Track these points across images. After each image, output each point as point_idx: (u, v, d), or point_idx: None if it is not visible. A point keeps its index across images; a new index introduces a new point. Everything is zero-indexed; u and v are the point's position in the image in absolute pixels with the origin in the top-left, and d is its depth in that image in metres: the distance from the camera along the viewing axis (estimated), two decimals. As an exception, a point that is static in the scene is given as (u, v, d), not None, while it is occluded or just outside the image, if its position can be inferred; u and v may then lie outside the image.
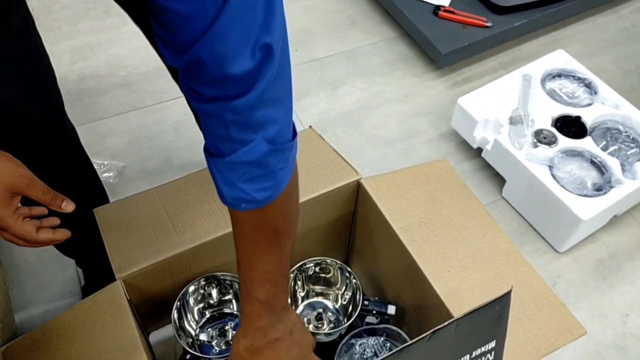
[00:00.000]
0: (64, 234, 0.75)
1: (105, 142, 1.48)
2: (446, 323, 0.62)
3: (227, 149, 0.59)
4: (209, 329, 0.95)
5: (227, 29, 0.50)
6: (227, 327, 0.95)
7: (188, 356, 0.86)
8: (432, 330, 0.61)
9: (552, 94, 1.45)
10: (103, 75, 1.60)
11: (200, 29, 0.49)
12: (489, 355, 0.69)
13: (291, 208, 0.68)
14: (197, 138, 1.46)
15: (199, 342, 0.94)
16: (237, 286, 0.95)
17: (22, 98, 0.80)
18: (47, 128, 0.88)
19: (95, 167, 1.34)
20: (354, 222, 1.06)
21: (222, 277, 0.93)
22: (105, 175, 1.38)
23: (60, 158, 0.92)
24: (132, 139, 1.49)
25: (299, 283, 1.00)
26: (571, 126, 1.38)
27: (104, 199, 1.09)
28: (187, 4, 0.48)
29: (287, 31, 0.58)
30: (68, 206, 0.74)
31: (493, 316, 0.66)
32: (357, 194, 0.99)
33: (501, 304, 0.66)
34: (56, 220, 0.75)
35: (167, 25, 0.51)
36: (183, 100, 1.58)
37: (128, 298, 0.83)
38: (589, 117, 1.39)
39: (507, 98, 1.42)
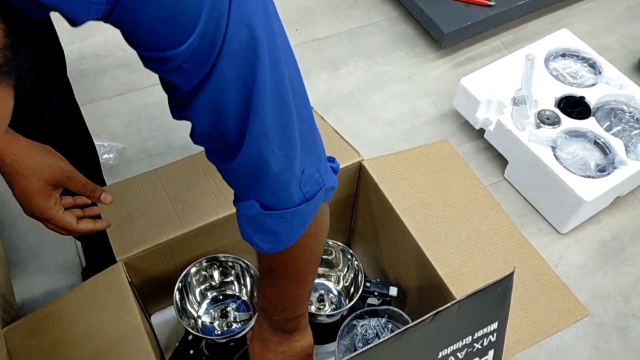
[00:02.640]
0: (104, 224, 0.79)
1: (104, 123, 1.46)
2: (448, 305, 0.61)
3: (235, 195, 0.61)
4: (211, 310, 0.95)
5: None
6: (229, 309, 0.95)
7: (190, 337, 0.86)
8: (434, 312, 0.61)
9: (555, 74, 1.43)
10: (102, 56, 1.59)
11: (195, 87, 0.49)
12: (491, 336, 0.69)
13: (304, 259, 0.68)
14: (197, 119, 1.45)
15: (201, 323, 0.94)
16: (239, 268, 0.94)
17: (39, 84, 0.81)
18: (60, 116, 0.89)
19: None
20: (355, 203, 1.05)
21: (224, 258, 0.93)
22: (105, 157, 1.37)
23: (67, 138, 0.93)
24: (131, 120, 1.48)
25: (301, 265, 1.00)
26: (575, 107, 1.37)
27: (101, 182, 1.09)
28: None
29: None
30: (107, 198, 0.79)
31: (495, 298, 0.66)
32: (359, 175, 0.98)
33: (503, 285, 0.65)
34: (97, 210, 0.80)
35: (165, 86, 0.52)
36: (183, 81, 1.57)
37: (129, 280, 0.83)
38: (592, 98, 1.38)
39: (510, 78, 1.40)
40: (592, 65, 1.46)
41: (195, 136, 0.55)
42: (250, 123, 0.51)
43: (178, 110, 0.52)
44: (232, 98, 0.50)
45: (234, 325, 0.93)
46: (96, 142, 1.38)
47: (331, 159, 0.67)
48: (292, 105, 0.53)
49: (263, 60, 0.49)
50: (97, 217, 0.82)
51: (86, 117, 1.03)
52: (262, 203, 0.58)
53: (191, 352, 0.85)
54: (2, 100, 0.34)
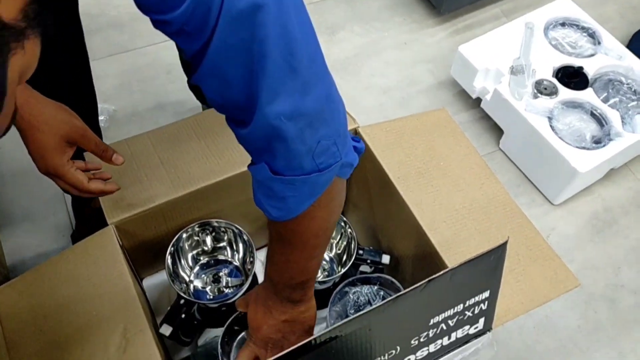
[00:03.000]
0: (113, 186, 0.80)
1: (95, 84, 1.44)
2: (441, 272, 0.61)
3: (252, 158, 0.62)
4: (203, 275, 0.95)
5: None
6: (221, 274, 0.95)
7: (182, 301, 0.86)
8: (427, 280, 0.61)
9: (554, 44, 1.42)
10: (93, 15, 1.55)
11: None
12: (482, 304, 0.69)
13: (312, 230, 0.67)
14: (190, 82, 1.43)
15: (192, 288, 0.94)
16: (231, 233, 0.94)
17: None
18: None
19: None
20: (349, 170, 1.04)
21: (216, 223, 0.92)
22: (96, 119, 1.36)
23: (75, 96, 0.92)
24: (123, 82, 1.45)
25: (294, 231, 1.00)
26: (573, 77, 1.36)
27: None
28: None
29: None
30: (118, 158, 0.79)
31: (488, 267, 0.66)
32: (353, 142, 0.97)
33: (497, 254, 0.65)
34: (107, 175, 0.80)
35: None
36: (176, 43, 1.54)
37: (120, 243, 0.82)
38: (591, 68, 1.37)
39: (509, 47, 1.38)
40: (592, 35, 1.44)
41: (209, 102, 0.57)
42: (257, 91, 0.52)
43: (190, 75, 0.55)
44: (236, 64, 0.51)
45: (226, 291, 0.93)
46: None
47: (356, 139, 0.67)
48: (305, 74, 0.53)
49: (268, 26, 0.49)
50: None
51: (76, 77, 1.02)
52: (272, 168, 0.58)
53: (183, 316, 0.85)
54: (32, 49, 0.37)
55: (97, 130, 1.08)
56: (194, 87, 1.26)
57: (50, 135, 0.72)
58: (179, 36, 0.51)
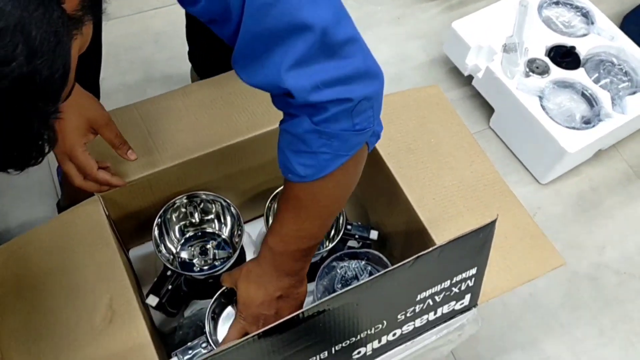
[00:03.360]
0: (120, 181, 0.81)
1: (82, 52, 1.41)
2: (430, 249, 0.61)
3: (285, 115, 0.64)
4: (190, 247, 0.95)
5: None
6: (208, 246, 0.95)
7: (169, 272, 0.86)
8: (415, 256, 0.61)
9: (548, 22, 1.41)
10: (80, -19, 1.51)
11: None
12: (469, 281, 0.70)
13: (332, 195, 0.69)
14: (178, 52, 1.40)
15: (179, 260, 0.93)
16: (219, 206, 0.93)
17: None
18: None
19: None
20: (339, 145, 1.04)
21: (204, 196, 0.92)
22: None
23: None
24: (110, 51, 1.42)
25: (282, 205, 0.99)
26: (565, 57, 1.35)
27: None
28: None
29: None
30: (132, 155, 0.82)
31: (477, 244, 0.66)
32: (344, 116, 0.96)
33: (485, 232, 0.65)
34: (112, 170, 0.82)
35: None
36: (165, 10, 1.51)
37: (107, 214, 0.81)
38: (583, 48, 1.36)
39: (503, 24, 1.37)
40: (585, 15, 1.43)
41: (249, 84, 0.61)
42: (289, 68, 0.56)
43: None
44: (267, 46, 0.55)
45: (213, 263, 0.93)
46: (73, 72, 1.34)
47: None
48: (344, 39, 0.57)
49: (294, 11, 0.53)
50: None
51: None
52: (313, 120, 0.60)
53: (169, 287, 0.85)
54: (87, 31, 0.46)
55: (97, 91, 1.07)
56: (194, 59, 1.24)
57: (75, 116, 0.74)
58: (211, 24, 0.57)
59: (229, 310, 0.87)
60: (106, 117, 0.78)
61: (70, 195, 0.99)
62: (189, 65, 1.31)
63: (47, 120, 0.41)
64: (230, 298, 0.87)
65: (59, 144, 0.75)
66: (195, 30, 1.12)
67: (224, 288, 0.84)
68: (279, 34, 0.54)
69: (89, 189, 0.80)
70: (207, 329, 0.81)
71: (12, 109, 0.38)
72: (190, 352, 0.81)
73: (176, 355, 0.80)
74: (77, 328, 0.72)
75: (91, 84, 0.96)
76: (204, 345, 0.81)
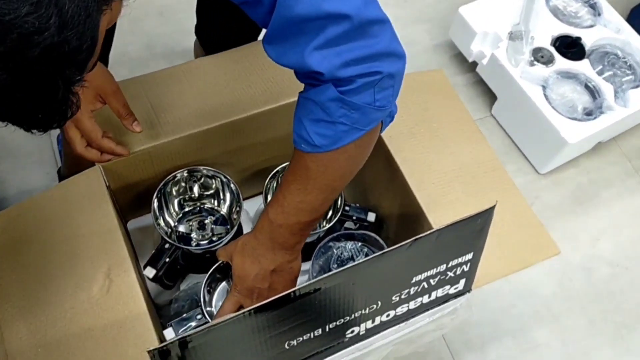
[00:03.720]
0: (123, 150, 0.82)
1: (86, 22, 1.40)
2: (428, 232, 0.62)
3: (307, 84, 0.65)
4: (188, 222, 0.95)
5: None
6: (206, 221, 0.95)
7: (167, 245, 0.86)
8: (413, 238, 0.61)
9: (555, 12, 1.40)
10: (85, -51, 1.49)
11: None
12: (464, 266, 0.70)
13: (342, 169, 0.70)
14: (182, 25, 1.40)
15: (177, 233, 0.94)
16: (219, 182, 0.93)
17: None
18: None
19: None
20: (341, 126, 1.03)
21: (205, 171, 0.92)
22: (85, 57, 1.32)
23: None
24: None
25: (281, 183, 0.99)
26: (570, 47, 1.35)
27: None
28: None
29: None
30: (137, 127, 0.82)
31: (474, 229, 0.66)
32: (347, 97, 0.96)
33: (484, 218, 0.66)
34: (116, 140, 0.82)
35: None
36: (171, -18, 1.50)
37: (107, 184, 0.81)
38: (589, 39, 1.36)
39: (509, 11, 1.37)
40: (593, 6, 1.43)
41: (279, 63, 0.62)
42: (316, 53, 0.58)
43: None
44: (298, 32, 0.57)
45: (211, 238, 0.94)
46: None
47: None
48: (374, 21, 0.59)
49: None
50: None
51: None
52: (340, 89, 0.61)
53: (167, 259, 0.85)
54: (117, 7, 0.50)
55: (106, 62, 1.07)
56: (201, 33, 1.24)
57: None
58: (243, 5, 0.59)
59: (224, 284, 0.88)
60: (115, 86, 0.79)
61: (70, 165, 0.99)
62: (193, 39, 1.30)
63: (72, 87, 0.44)
64: (225, 273, 0.87)
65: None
66: (207, 4, 1.11)
67: (219, 262, 0.85)
68: (310, 20, 0.56)
69: (90, 157, 0.80)
70: (202, 302, 0.82)
71: (41, 74, 0.41)
72: (185, 323, 0.82)
73: (171, 325, 0.81)
74: (75, 296, 0.72)
75: (103, 54, 0.95)
76: (199, 317, 0.82)
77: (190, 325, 0.81)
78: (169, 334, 0.80)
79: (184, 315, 0.83)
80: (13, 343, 0.70)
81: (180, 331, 0.80)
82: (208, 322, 0.81)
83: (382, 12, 0.60)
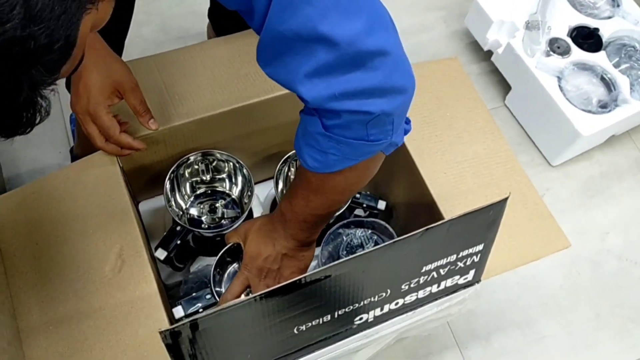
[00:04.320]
0: (140, 144, 0.81)
1: (100, 1, 1.40)
2: (439, 222, 0.62)
3: (305, 107, 0.62)
4: (200, 205, 0.95)
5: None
6: (217, 205, 0.95)
7: (178, 227, 0.87)
8: (424, 228, 0.61)
9: (572, 2, 1.38)
10: None
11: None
12: (474, 257, 0.70)
13: (339, 187, 0.69)
14: (197, 7, 1.39)
15: (188, 216, 0.94)
16: (232, 166, 0.94)
17: None
18: None
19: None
20: (354, 113, 1.03)
21: (218, 154, 0.92)
22: (99, 37, 1.32)
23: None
24: (128, 1, 1.41)
25: (293, 169, 0.99)
26: (587, 38, 1.33)
27: None
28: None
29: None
30: (154, 124, 0.81)
31: (486, 221, 0.66)
32: (361, 84, 0.96)
33: (496, 209, 0.66)
34: (131, 127, 0.82)
35: None
36: (186, -37, 1.49)
37: (120, 165, 0.82)
38: (606, 31, 1.34)
39: (527, 0, 1.35)
40: (612, -3, 1.40)
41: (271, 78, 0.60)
42: (309, 74, 0.54)
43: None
44: (289, 47, 0.54)
45: (222, 221, 0.94)
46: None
47: (407, 120, 0.68)
48: (374, 53, 0.54)
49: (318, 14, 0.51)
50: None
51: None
52: (324, 124, 0.60)
53: (178, 242, 0.86)
54: (105, 8, 0.44)
55: (121, 51, 1.07)
56: (214, 17, 1.23)
57: (102, 77, 0.74)
58: (240, 13, 0.57)
59: (234, 267, 0.89)
60: (133, 82, 0.78)
61: (84, 145, 0.99)
62: (206, 22, 1.29)
63: (39, 90, 0.40)
64: (235, 256, 0.88)
65: (82, 104, 0.75)
66: None
67: (229, 245, 0.85)
68: (302, 39, 0.52)
69: (110, 152, 0.80)
70: (211, 283, 0.83)
71: (1, 70, 0.37)
72: (194, 302, 0.83)
73: (180, 304, 0.82)
74: (87, 275, 0.73)
75: (117, 43, 0.95)
76: (207, 297, 0.83)
77: (199, 305, 0.82)
78: (178, 312, 0.81)
79: (194, 294, 0.84)
80: (25, 320, 0.71)
81: (189, 310, 0.81)
82: (216, 301, 0.82)
83: (390, 40, 0.56)
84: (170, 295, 0.94)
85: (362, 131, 0.59)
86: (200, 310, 0.82)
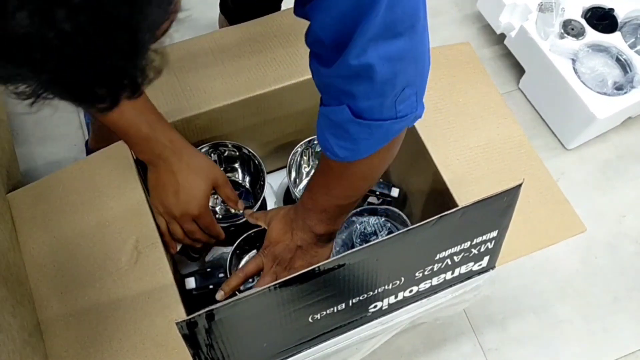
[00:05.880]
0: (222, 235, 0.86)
1: (110, -7, 1.40)
2: (453, 210, 0.62)
3: (325, 99, 0.62)
4: (213, 195, 0.96)
5: None
6: (231, 194, 0.96)
7: (192, 219, 0.87)
8: (438, 216, 0.61)
9: (587, -18, 1.36)
10: None
11: None
12: (489, 243, 0.70)
13: (364, 174, 0.70)
14: (207, -4, 1.39)
15: (202, 206, 0.95)
16: (244, 156, 0.94)
17: None
18: None
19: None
20: (366, 100, 1.03)
21: (229, 145, 0.92)
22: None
23: None
24: (139, -8, 1.41)
25: (305, 158, 1.00)
26: (602, 19, 1.31)
27: None
28: None
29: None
30: (241, 206, 0.87)
31: (500, 207, 0.66)
32: (372, 71, 0.95)
33: (510, 196, 0.65)
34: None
35: None
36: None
37: (134, 158, 0.82)
38: (622, 11, 1.32)
39: (540, -18, 1.33)
40: (627, -24, 1.38)
41: (308, 36, 0.57)
42: (361, 27, 0.51)
43: (301, 4, 0.54)
44: (347, 1, 0.51)
45: (235, 212, 0.95)
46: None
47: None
48: (407, 20, 0.54)
49: None
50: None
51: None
52: (353, 110, 0.59)
53: (192, 232, 0.87)
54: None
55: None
56: (224, 6, 1.23)
57: (203, 179, 0.79)
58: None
59: (251, 254, 0.89)
60: (224, 176, 0.83)
61: (98, 138, 1.00)
62: (217, 12, 1.29)
63: (148, 47, 0.35)
64: (252, 244, 0.89)
65: (182, 210, 0.78)
66: None
67: (244, 235, 0.86)
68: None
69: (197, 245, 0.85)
70: (227, 266, 0.84)
71: (117, 22, 0.31)
72: (207, 277, 0.84)
73: (194, 276, 0.83)
74: (104, 267, 0.74)
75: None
76: (220, 275, 0.84)
77: (211, 282, 0.84)
78: (190, 283, 0.84)
79: (208, 269, 0.85)
80: (45, 312, 0.72)
81: (200, 285, 0.84)
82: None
83: (419, 5, 0.55)
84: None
85: (391, 109, 0.59)
86: (211, 286, 0.84)
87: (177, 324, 0.53)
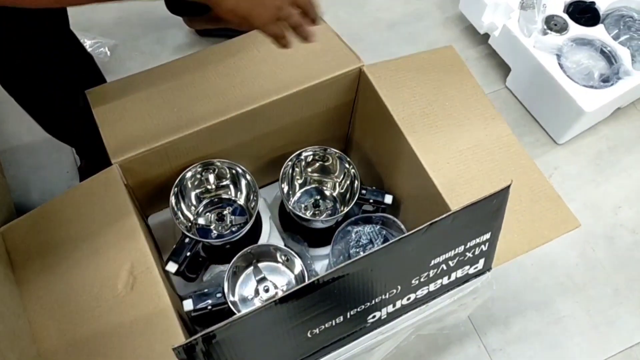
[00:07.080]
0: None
1: (94, 18, 1.41)
2: (443, 216, 0.62)
3: None
4: (207, 214, 0.96)
5: None
6: (225, 212, 0.96)
7: (187, 239, 0.87)
8: (428, 223, 0.61)
9: (567, -23, 1.37)
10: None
11: None
12: (482, 246, 0.70)
13: None
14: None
15: (197, 226, 0.95)
16: (235, 173, 0.94)
17: None
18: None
19: (86, 43, 1.29)
20: (354, 111, 1.03)
21: (219, 163, 0.92)
22: (96, 52, 1.33)
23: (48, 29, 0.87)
24: (122, 16, 1.42)
25: (297, 170, 1.00)
26: (584, 12, 1.32)
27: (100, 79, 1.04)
28: None
29: None
30: (316, 25, 0.76)
31: (490, 210, 0.66)
32: (358, 81, 0.96)
33: (499, 198, 0.65)
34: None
35: None
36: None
37: (125, 182, 0.82)
38: (603, 3, 1.32)
39: (520, -20, 1.33)
40: (607, -32, 1.39)
41: None
42: None
43: None
44: None
45: (230, 229, 0.95)
46: (88, 38, 1.34)
47: None
48: None
49: None
50: None
51: (73, 10, 0.99)
52: None
53: (188, 253, 0.87)
54: None
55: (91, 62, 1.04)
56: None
57: None
58: None
59: (248, 272, 0.89)
60: None
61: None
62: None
63: None
64: (249, 261, 0.89)
65: (270, 14, 0.71)
66: None
67: (240, 253, 0.86)
68: None
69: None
70: (225, 286, 0.83)
71: None
72: (204, 299, 0.84)
73: (191, 297, 0.83)
74: (100, 294, 0.74)
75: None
76: (218, 295, 0.84)
77: (208, 302, 0.83)
78: (188, 305, 0.83)
79: (205, 290, 0.85)
80: (44, 343, 0.72)
81: (198, 305, 0.83)
82: (226, 302, 0.83)
83: None
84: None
85: None
86: (209, 307, 0.83)
87: (174, 349, 0.52)
